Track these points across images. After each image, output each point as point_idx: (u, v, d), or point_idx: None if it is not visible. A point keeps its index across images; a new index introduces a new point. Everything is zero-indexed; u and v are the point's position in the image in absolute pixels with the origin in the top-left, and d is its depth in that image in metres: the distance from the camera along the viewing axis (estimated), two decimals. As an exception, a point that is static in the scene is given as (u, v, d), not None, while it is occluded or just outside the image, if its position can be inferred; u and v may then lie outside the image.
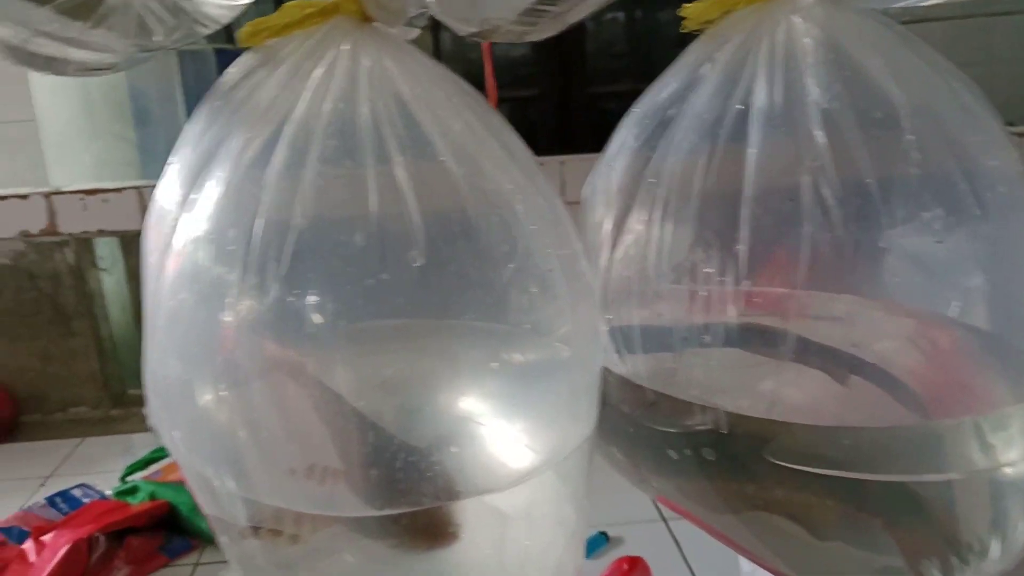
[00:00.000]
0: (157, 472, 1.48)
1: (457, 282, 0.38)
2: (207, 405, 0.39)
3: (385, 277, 0.37)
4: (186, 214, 0.40)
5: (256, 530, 0.39)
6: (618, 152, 0.48)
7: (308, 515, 0.38)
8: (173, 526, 1.34)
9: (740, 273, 0.39)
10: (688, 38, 0.50)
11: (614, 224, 0.46)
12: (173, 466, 1.49)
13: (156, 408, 0.42)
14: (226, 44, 2.48)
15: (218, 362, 0.38)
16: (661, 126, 0.45)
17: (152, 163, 2.26)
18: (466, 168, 0.38)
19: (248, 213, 0.38)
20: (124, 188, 1.72)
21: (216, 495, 0.39)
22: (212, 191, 0.39)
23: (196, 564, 1.27)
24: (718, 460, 0.43)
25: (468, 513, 0.37)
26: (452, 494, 0.37)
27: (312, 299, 0.36)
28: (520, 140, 0.42)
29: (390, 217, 0.37)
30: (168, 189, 0.43)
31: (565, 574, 0.42)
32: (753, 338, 0.42)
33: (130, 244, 1.95)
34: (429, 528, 0.37)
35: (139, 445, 1.69)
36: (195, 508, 1.33)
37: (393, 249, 0.37)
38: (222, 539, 0.42)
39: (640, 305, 0.44)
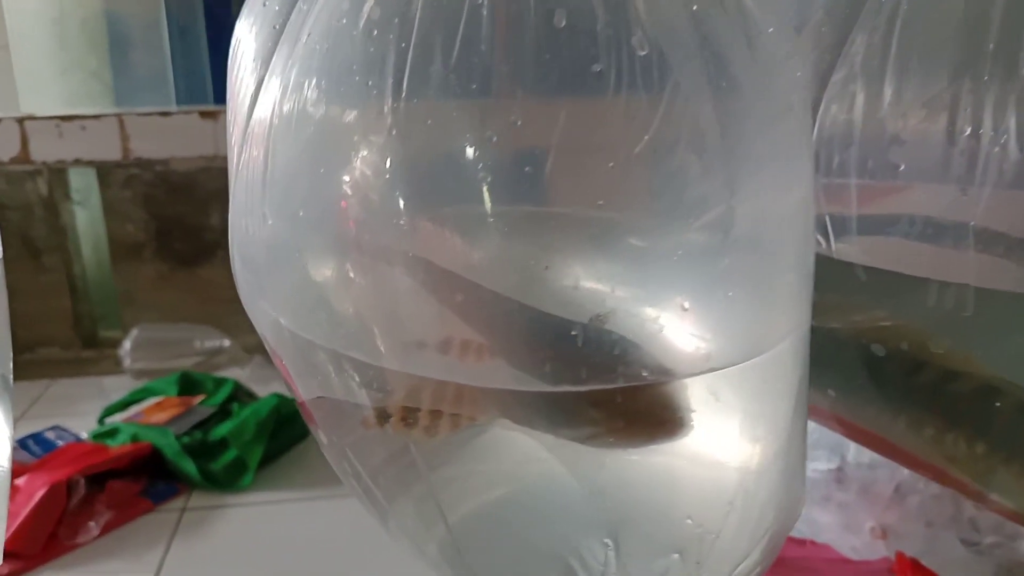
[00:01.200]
0: (139, 414, 1.37)
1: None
2: (322, 275, 0.29)
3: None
4: (288, 35, 0.30)
5: (382, 417, 0.29)
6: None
7: (450, 394, 0.28)
8: (158, 470, 1.23)
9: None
10: None
11: (820, 58, 0.36)
12: (156, 407, 1.39)
13: (246, 276, 0.33)
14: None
15: (336, 227, 0.29)
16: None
17: (129, 96, 2.11)
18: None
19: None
20: (104, 115, 1.60)
21: (327, 373, 0.30)
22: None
23: (183, 509, 1.17)
24: (946, 354, 0.34)
25: (696, 393, 0.27)
26: (671, 372, 0.27)
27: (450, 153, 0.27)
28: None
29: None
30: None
31: (795, 496, 0.33)
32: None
33: (107, 176, 1.82)
34: (650, 411, 0.27)
35: (112, 388, 1.60)
36: (181, 451, 1.24)
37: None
38: (330, 439, 0.33)
39: (865, 157, 0.34)
